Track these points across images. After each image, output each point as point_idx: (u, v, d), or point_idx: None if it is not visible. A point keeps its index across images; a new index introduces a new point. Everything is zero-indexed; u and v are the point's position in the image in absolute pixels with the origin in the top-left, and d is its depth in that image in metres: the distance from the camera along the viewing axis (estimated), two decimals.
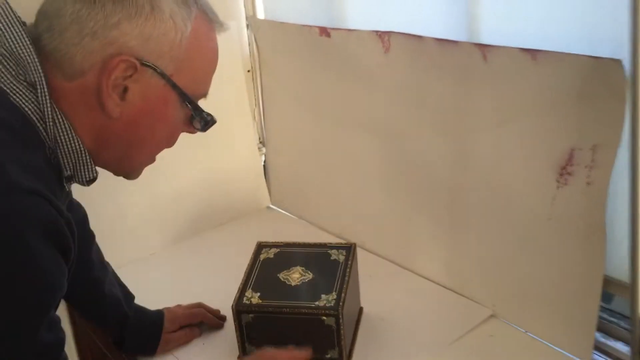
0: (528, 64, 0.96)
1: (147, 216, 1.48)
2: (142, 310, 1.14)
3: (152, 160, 0.85)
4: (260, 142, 1.67)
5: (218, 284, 1.32)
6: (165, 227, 1.52)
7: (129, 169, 0.85)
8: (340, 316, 1.02)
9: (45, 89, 0.72)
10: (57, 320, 0.73)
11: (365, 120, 1.31)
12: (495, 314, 1.16)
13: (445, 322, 1.15)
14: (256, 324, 1.06)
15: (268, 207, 1.69)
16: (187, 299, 1.23)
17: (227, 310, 1.22)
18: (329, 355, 1.06)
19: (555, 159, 0.99)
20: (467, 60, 1.06)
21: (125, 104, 0.76)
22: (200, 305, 1.21)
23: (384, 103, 1.25)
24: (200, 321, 1.18)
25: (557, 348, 1.06)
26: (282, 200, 1.67)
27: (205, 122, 0.83)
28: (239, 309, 1.05)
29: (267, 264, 1.14)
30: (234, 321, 1.07)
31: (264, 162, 1.67)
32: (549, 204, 1.02)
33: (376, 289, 1.23)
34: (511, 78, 1.00)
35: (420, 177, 1.22)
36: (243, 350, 1.09)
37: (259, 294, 1.07)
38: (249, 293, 1.08)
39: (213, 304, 1.23)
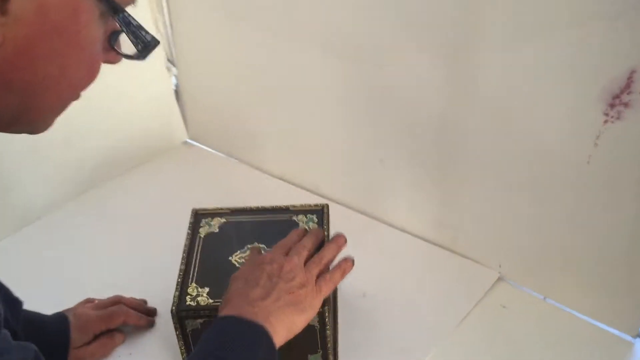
0: None
1: (27, 168, 1.10)
2: (36, 320, 0.80)
3: (68, 101, 0.54)
4: (169, 62, 1.29)
5: (136, 260, 1.01)
6: (53, 181, 1.15)
7: (32, 121, 0.53)
8: (327, 314, 0.75)
9: None
10: None
11: (319, 30, 0.98)
12: (502, 276, 0.93)
13: (445, 292, 0.91)
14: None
15: (185, 143, 1.34)
16: (96, 290, 0.91)
17: (156, 300, 0.92)
18: None
19: (605, 84, 0.73)
20: None
21: (8, 20, 0.44)
22: (118, 300, 0.89)
23: (349, 8, 0.92)
24: (122, 323, 0.86)
25: (591, 320, 0.85)
26: (202, 134, 1.32)
27: (144, 43, 0.52)
28: (182, 314, 0.75)
29: (212, 243, 0.83)
30: (176, 329, 0.77)
31: (176, 86, 1.31)
32: (590, 144, 0.76)
33: (348, 250, 0.95)
34: None
35: (401, 108, 0.93)
36: None
37: (207, 289, 0.77)
38: (192, 289, 0.77)
39: (134, 293, 0.92)
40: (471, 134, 0.87)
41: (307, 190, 1.14)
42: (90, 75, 0.52)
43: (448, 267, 0.95)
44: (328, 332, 0.76)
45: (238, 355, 0.61)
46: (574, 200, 0.81)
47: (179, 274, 0.79)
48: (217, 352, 0.62)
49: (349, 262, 0.75)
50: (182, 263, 0.80)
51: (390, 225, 1.04)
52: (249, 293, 0.68)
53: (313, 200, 1.10)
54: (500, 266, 0.93)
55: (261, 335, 0.64)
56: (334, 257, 0.76)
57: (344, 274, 0.75)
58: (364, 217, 1.06)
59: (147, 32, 0.52)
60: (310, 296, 0.70)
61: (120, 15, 0.50)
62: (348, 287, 0.91)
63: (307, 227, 0.84)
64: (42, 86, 0.49)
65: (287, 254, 0.74)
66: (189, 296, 0.76)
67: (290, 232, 0.78)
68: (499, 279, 0.92)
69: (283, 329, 0.66)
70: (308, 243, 0.75)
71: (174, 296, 0.76)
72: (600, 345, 0.82)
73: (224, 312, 0.67)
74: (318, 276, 0.72)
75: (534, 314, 0.87)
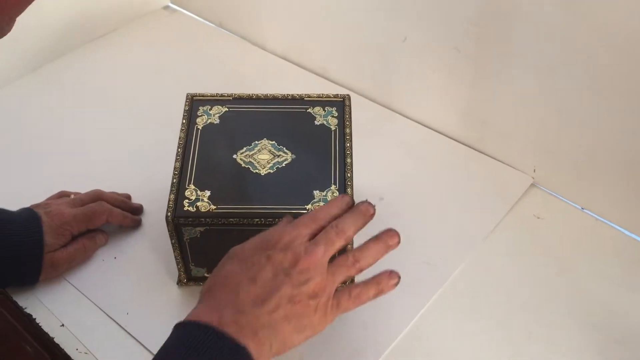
0: None
1: None
2: (2, 220, 0.68)
3: None
4: None
5: (114, 147, 0.88)
6: (10, 49, 0.98)
7: None
8: None
9: None
10: None
11: None
12: (536, 182, 0.83)
13: (471, 199, 0.80)
14: (207, 240, 0.65)
15: (167, 7, 1.16)
16: (66, 182, 0.78)
17: (142, 198, 0.80)
18: None
19: None
20: None
21: None
22: (98, 196, 0.76)
23: None
24: (104, 222, 0.74)
25: (633, 235, 0.76)
26: None
27: None
28: (179, 221, 0.63)
29: (212, 136, 0.70)
30: (171, 238, 0.65)
31: None
32: None
33: (359, 147, 0.82)
34: None
35: None
36: (187, 274, 0.70)
37: (208, 193, 0.65)
38: (191, 192, 0.65)
39: (114, 187, 0.79)
40: (524, 12, 0.72)
41: (313, 72, 0.99)
42: None
43: (476, 170, 0.84)
44: (350, 246, 0.66)
45: None
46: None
47: (174, 173, 0.66)
48: None
49: (393, 278, 0.56)
50: (176, 160, 0.67)
51: (410, 118, 0.91)
52: (239, 290, 0.51)
53: (319, 85, 0.97)
54: (534, 170, 0.82)
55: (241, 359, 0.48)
56: (376, 261, 0.55)
57: (378, 294, 0.55)
58: (380, 108, 0.93)
59: None
60: (321, 312, 0.52)
61: None
62: (363, 189, 0.80)
63: (349, 195, 0.62)
64: None
65: (314, 234, 0.54)
66: (186, 200, 0.64)
67: (332, 200, 0.57)
68: (533, 184, 0.82)
69: (272, 347, 0.51)
70: (349, 227, 0.54)
71: (169, 200, 0.64)
72: None
73: (200, 310, 0.51)
74: (342, 283, 0.54)
75: (570, 226, 0.78)
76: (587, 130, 0.74)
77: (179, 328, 0.50)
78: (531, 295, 0.71)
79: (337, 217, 0.55)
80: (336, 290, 0.54)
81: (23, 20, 0.95)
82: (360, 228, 0.56)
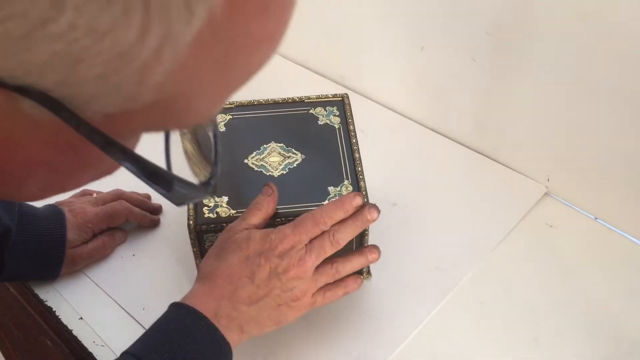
0: None
1: None
2: (29, 216, 0.70)
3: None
4: None
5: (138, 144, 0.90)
6: None
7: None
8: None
9: None
10: None
11: None
12: (550, 191, 0.83)
13: (484, 207, 0.81)
14: None
15: None
16: (94, 182, 0.81)
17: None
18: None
19: None
20: None
21: None
22: (119, 195, 0.79)
23: None
24: (124, 221, 0.77)
25: None
26: None
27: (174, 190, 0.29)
28: (201, 228, 0.65)
29: (221, 143, 0.72)
30: (193, 246, 0.67)
31: None
32: None
33: (375, 154, 0.84)
34: None
35: None
36: None
37: (226, 198, 0.67)
38: (208, 199, 0.67)
39: (136, 186, 0.82)
40: (540, 22, 0.73)
41: (332, 80, 1.01)
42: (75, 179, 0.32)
43: (489, 178, 0.85)
44: (367, 236, 0.67)
45: None
46: None
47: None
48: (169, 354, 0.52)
49: (357, 282, 0.63)
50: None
51: (425, 125, 0.92)
52: (238, 286, 0.56)
53: (338, 92, 0.99)
54: (548, 179, 0.83)
55: (224, 355, 0.55)
56: (353, 271, 0.63)
57: (345, 294, 0.63)
58: (396, 115, 0.94)
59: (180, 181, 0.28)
60: (297, 310, 0.59)
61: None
62: (376, 194, 0.81)
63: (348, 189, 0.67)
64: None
65: (314, 237, 0.58)
66: (206, 207, 0.66)
67: (343, 198, 0.60)
68: (546, 194, 0.83)
69: (246, 336, 0.58)
70: (345, 237, 0.59)
71: (189, 209, 0.66)
72: None
73: (199, 295, 0.56)
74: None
75: (583, 235, 0.78)
76: (601, 140, 0.75)
77: (176, 308, 0.55)
78: (540, 303, 0.71)
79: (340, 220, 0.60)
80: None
81: None
82: (357, 234, 0.61)
